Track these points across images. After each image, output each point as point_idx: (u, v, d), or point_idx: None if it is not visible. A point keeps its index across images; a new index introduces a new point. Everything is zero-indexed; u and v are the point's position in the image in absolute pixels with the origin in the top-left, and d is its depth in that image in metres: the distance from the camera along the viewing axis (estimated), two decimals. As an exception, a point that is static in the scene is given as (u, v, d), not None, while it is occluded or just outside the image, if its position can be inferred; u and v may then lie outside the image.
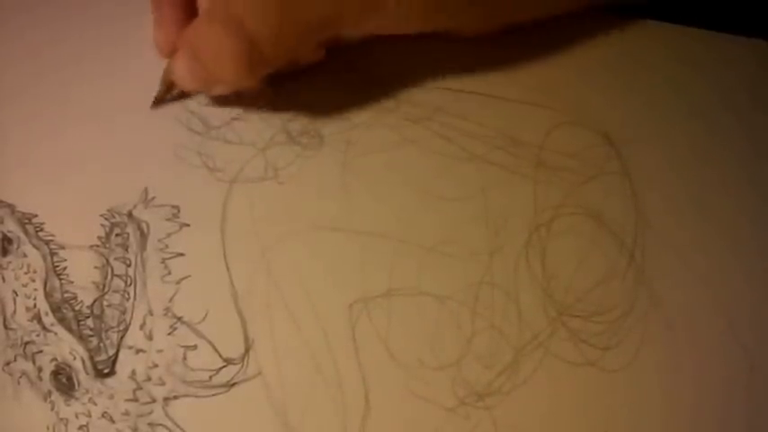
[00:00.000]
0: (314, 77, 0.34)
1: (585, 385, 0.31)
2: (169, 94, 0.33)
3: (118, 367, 0.30)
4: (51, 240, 0.31)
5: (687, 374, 0.31)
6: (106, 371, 0.30)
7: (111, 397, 0.29)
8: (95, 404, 0.29)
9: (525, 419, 0.30)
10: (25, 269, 0.30)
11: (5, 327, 0.30)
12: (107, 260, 0.31)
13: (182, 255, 0.31)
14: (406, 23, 0.31)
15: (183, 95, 0.33)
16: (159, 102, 0.33)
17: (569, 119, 0.34)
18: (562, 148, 0.34)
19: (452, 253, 0.32)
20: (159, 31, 0.32)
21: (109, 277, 0.31)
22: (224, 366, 0.30)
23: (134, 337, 0.30)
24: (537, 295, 0.32)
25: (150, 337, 0.30)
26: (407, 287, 0.31)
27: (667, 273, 0.32)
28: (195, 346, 0.30)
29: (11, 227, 0.31)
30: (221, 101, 0.33)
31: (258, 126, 0.33)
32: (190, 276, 0.31)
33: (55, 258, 0.31)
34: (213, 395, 0.30)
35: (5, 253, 0.31)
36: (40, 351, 0.30)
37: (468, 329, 0.31)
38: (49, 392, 0.29)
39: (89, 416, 0.29)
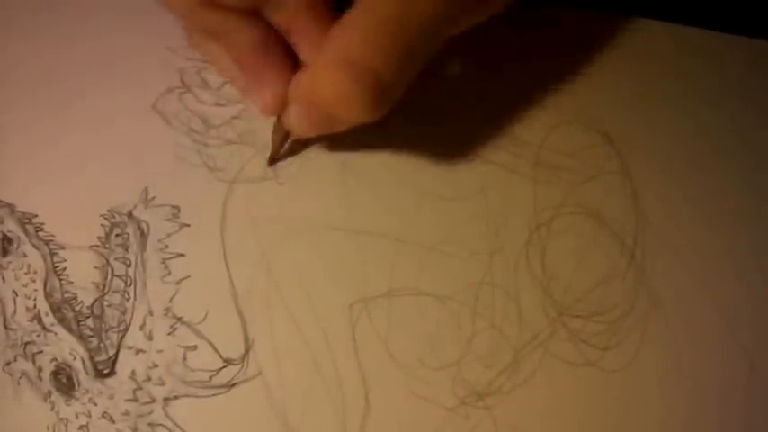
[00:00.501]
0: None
1: (585, 385, 0.31)
2: (282, 147, 0.32)
3: (118, 367, 0.30)
4: (51, 240, 0.31)
5: (686, 374, 0.31)
6: (106, 371, 0.30)
7: (111, 397, 0.29)
8: (95, 404, 0.29)
9: (525, 419, 0.30)
10: (25, 269, 0.30)
11: (5, 327, 0.30)
12: (107, 260, 0.31)
13: (182, 255, 0.31)
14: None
15: (298, 146, 0.33)
16: (275, 159, 0.32)
17: (569, 118, 0.34)
18: (562, 148, 0.34)
19: (452, 253, 0.32)
20: (265, 91, 0.30)
21: (109, 277, 0.31)
22: (224, 366, 0.30)
23: (134, 337, 0.30)
24: (537, 295, 0.32)
25: (150, 338, 0.30)
26: (407, 287, 0.31)
27: (667, 273, 0.32)
28: (195, 347, 0.30)
29: (11, 227, 0.31)
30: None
31: (258, 125, 0.33)
32: (190, 276, 0.31)
33: (55, 258, 0.31)
34: (213, 395, 0.30)
35: (5, 253, 0.31)
36: (40, 351, 0.30)
37: (468, 329, 0.31)
38: (49, 392, 0.29)
39: (89, 416, 0.29)
